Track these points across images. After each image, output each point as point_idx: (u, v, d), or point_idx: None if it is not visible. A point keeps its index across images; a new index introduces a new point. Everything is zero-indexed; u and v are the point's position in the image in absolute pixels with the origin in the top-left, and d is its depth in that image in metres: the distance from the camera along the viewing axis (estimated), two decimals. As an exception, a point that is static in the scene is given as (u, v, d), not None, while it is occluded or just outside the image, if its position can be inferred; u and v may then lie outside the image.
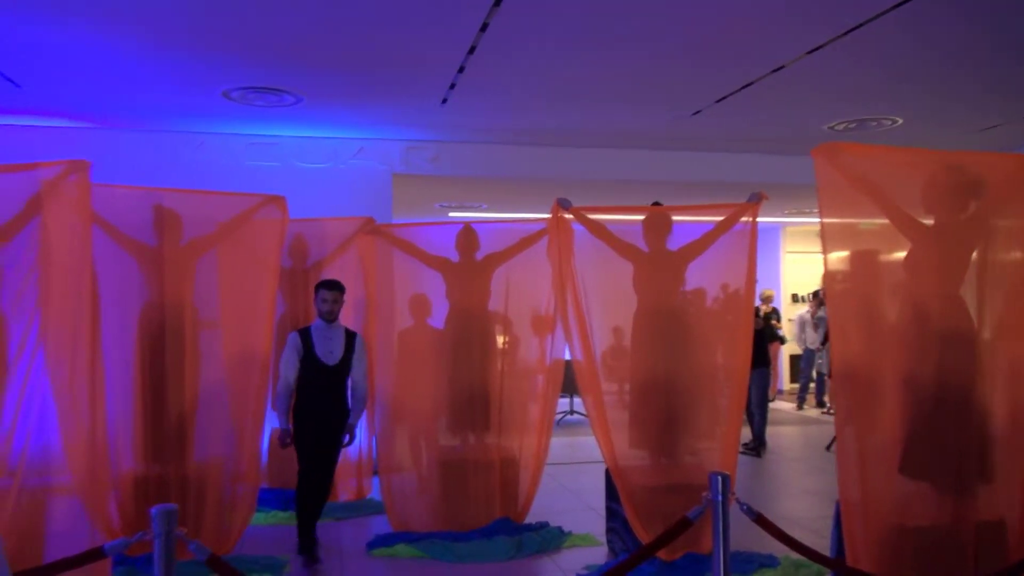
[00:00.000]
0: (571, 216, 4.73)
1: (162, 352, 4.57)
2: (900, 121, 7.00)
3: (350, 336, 4.83)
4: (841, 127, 7.19)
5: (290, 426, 4.71)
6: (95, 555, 2.41)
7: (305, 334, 4.74)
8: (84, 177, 3.69)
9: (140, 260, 4.63)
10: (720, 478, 2.74)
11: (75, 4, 4.38)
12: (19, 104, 6.35)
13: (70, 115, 6.76)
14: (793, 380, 13.12)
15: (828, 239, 3.62)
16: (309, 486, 4.72)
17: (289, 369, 4.70)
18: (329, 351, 4.70)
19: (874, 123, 7.05)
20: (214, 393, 4.74)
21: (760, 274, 4.69)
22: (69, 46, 5.03)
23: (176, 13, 4.53)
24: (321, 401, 4.70)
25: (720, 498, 2.74)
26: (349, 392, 4.90)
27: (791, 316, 12.57)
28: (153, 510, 2.34)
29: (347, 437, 4.84)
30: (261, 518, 5.51)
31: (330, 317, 4.73)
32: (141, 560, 4.32)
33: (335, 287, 4.77)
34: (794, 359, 13.08)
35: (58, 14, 4.50)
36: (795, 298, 13.39)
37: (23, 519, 3.55)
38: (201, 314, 4.75)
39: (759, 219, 4.52)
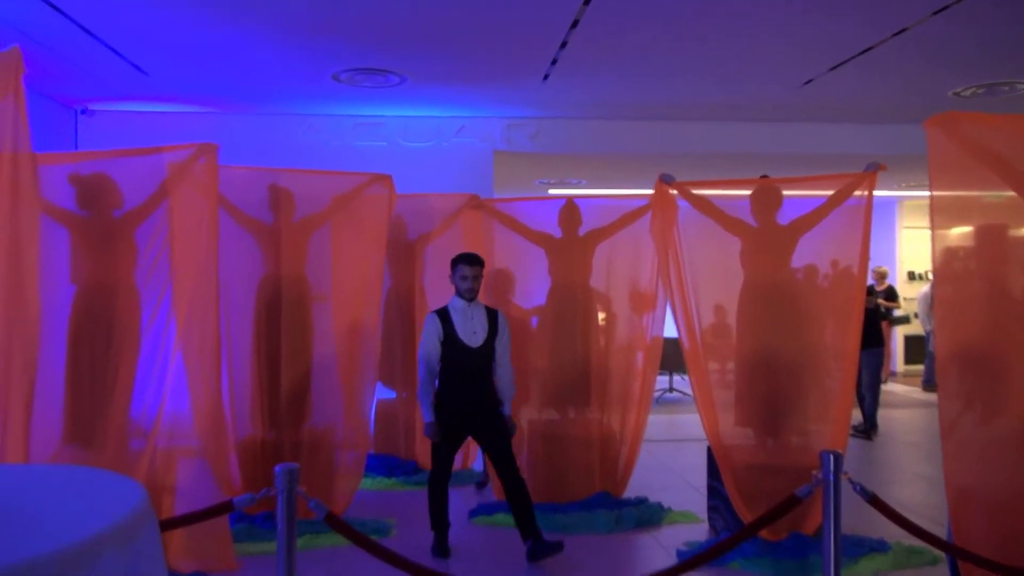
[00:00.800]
0: (675, 192, 4.66)
1: (278, 324, 4.79)
2: (1036, 85, 6.50)
3: (492, 314, 4.38)
4: (968, 93, 6.73)
5: (434, 418, 4.29)
6: (226, 508, 2.60)
7: (444, 315, 4.30)
8: (212, 159, 3.93)
9: (257, 237, 4.87)
10: (832, 456, 2.67)
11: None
12: (146, 91, 6.77)
13: (191, 100, 7.15)
14: (908, 361, 12.52)
15: (938, 214, 3.44)
16: (440, 487, 4.32)
17: (432, 354, 4.27)
18: (472, 331, 4.26)
19: (1006, 88, 6.56)
20: (326, 363, 4.96)
21: (874, 250, 4.47)
22: (194, 34, 5.32)
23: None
24: (468, 389, 4.28)
25: (832, 477, 2.66)
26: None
27: (906, 295, 11.96)
28: (277, 468, 2.49)
29: (510, 430, 4.38)
30: (367, 483, 5.74)
31: (470, 295, 4.27)
32: (259, 518, 4.60)
33: (476, 261, 4.31)
34: (908, 340, 12.47)
35: (184, 4, 4.76)
36: (911, 276, 12.71)
37: (156, 477, 3.86)
38: (313, 288, 4.97)
39: (874, 193, 4.32)
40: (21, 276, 3.05)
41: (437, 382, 4.35)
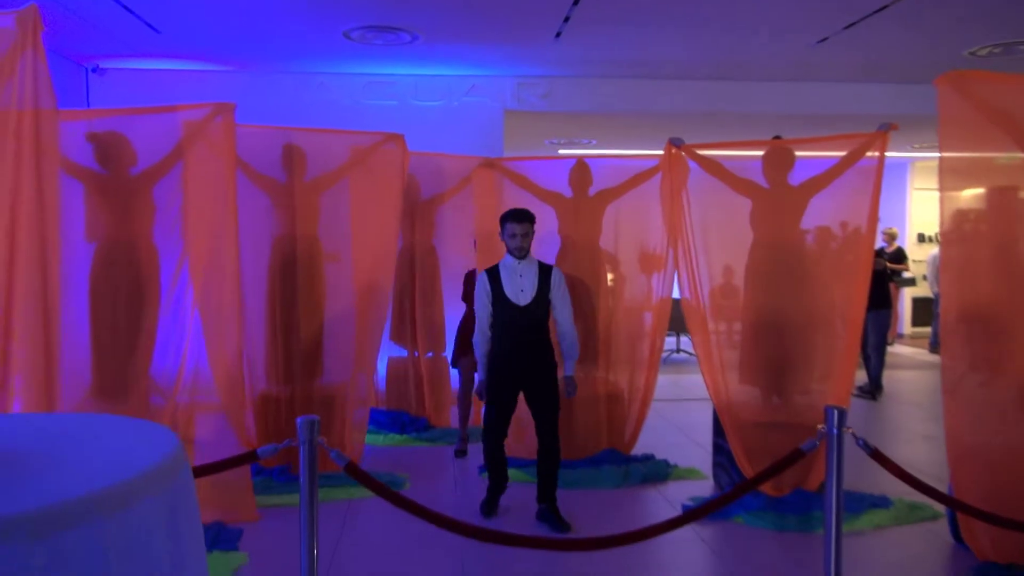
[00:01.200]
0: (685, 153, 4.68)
1: (292, 283, 4.87)
2: (1055, 45, 6.42)
3: (545, 271, 4.22)
4: (984, 52, 6.65)
5: (484, 376, 4.30)
6: (249, 458, 2.68)
7: (494, 273, 4.21)
8: (229, 118, 3.96)
9: (272, 196, 4.91)
10: (836, 411, 2.73)
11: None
12: (158, 49, 6.75)
13: (202, 59, 7.13)
14: (915, 323, 12.56)
15: (948, 175, 3.45)
16: (494, 445, 4.26)
17: (483, 314, 4.22)
18: (520, 289, 4.14)
19: (1023, 47, 6.49)
20: (338, 321, 5.03)
21: (885, 212, 4.49)
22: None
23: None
24: (517, 347, 4.16)
25: (836, 431, 2.73)
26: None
27: (916, 257, 11.93)
28: (299, 420, 2.57)
29: (570, 391, 4.36)
30: (380, 439, 5.88)
31: (520, 253, 4.14)
32: (276, 471, 4.72)
33: (525, 218, 4.15)
34: (916, 301, 12.49)
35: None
36: (921, 238, 12.68)
37: (177, 431, 3.96)
38: (325, 247, 5.02)
39: (886, 154, 4.32)
40: (44, 232, 3.11)
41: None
